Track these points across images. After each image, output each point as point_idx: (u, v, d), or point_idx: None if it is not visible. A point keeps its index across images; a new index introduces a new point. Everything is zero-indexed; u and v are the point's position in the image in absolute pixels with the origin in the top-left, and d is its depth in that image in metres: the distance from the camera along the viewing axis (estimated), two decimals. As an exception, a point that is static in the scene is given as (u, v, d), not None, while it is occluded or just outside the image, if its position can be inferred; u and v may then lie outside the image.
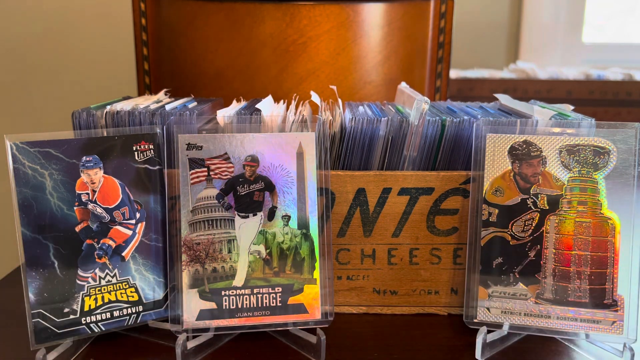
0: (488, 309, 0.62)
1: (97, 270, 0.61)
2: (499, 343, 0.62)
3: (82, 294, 0.60)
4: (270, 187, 0.62)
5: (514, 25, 1.68)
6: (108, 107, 0.67)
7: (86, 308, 0.60)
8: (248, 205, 0.62)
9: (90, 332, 0.60)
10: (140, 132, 0.63)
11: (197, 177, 0.61)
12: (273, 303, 0.61)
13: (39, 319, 0.58)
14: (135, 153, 0.62)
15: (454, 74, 1.43)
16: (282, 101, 0.77)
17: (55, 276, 0.59)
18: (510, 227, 0.62)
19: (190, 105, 0.72)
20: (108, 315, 0.61)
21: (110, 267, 0.61)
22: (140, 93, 1.05)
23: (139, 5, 1.00)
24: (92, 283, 0.60)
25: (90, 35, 1.53)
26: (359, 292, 0.70)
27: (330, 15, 0.92)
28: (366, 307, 0.70)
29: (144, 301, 0.63)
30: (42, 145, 0.58)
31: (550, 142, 0.61)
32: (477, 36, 1.67)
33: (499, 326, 0.62)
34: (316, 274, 0.62)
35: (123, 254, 0.62)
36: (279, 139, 0.62)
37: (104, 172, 0.61)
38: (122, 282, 0.62)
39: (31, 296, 0.58)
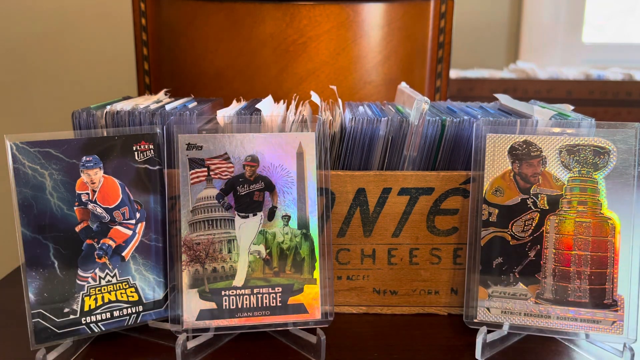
0: (488, 309, 0.62)
1: (97, 270, 0.61)
2: (499, 343, 0.62)
3: (82, 294, 0.60)
4: (270, 187, 0.62)
5: (514, 25, 1.68)
6: (108, 107, 0.67)
7: (86, 308, 0.60)
8: (248, 205, 0.62)
9: (90, 332, 0.60)
10: (140, 132, 0.63)
11: (197, 177, 0.61)
12: (273, 303, 0.61)
13: (39, 319, 0.58)
14: (135, 153, 0.62)
15: (454, 74, 1.43)
16: (282, 101, 0.77)
17: (55, 276, 0.59)
18: (510, 227, 0.62)
19: (190, 105, 0.72)
20: (108, 315, 0.61)
21: (110, 267, 0.61)
22: (140, 93, 1.05)
23: (139, 5, 1.00)
24: (92, 283, 0.60)
25: (90, 35, 1.53)
26: (359, 292, 0.70)
27: (330, 15, 0.92)
28: (366, 307, 0.70)
29: (144, 301, 0.63)
30: (42, 145, 0.58)
31: (550, 142, 0.61)
32: (477, 36, 1.67)
33: (499, 326, 0.62)
34: (316, 274, 0.62)
35: (123, 254, 0.62)
36: (279, 139, 0.62)
37: (104, 172, 0.61)
38: (122, 282, 0.62)
39: (31, 296, 0.58)
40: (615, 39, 1.78)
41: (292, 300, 0.61)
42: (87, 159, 0.60)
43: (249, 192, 0.62)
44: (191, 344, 0.59)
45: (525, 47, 1.67)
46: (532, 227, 0.62)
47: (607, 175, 0.60)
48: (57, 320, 0.59)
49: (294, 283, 0.62)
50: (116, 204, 0.61)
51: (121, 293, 0.62)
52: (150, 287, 0.63)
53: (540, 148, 0.62)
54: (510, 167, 0.62)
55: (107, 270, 0.61)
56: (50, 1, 1.51)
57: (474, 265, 0.63)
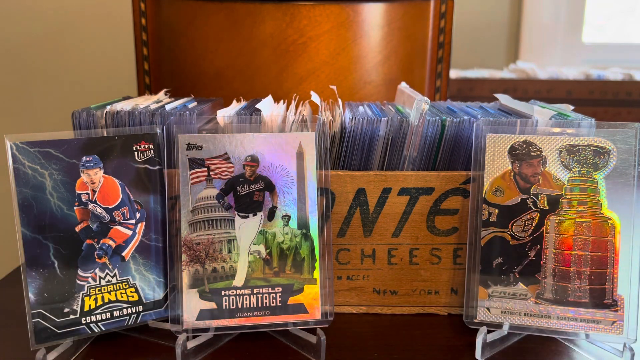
0: (488, 309, 0.62)
1: (97, 270, 0.61)
2: (499, 343, 0.62)
3: (82, 294, 0.60)
4: (270, 187, 0.62)
5: (514, 25, 1.68)
6: (108, 107, 0.67)
7: (86, 308, 0.60)
8: (248, 205, 0.62)
9: (90, 332, 0.60)
10: (140, 132, 0.63)
11: (197, 177, 0.61)
12: (273, 303, 0.61)
13: (39, 319, 0.58)
14: (135, 153, 0.62)
15: (454, 74, 1.43)
16: (282, 101, 0.77)
17: (55, 276, 0.59)
18: (510, 227, 0.62)
19: (190, 105, 0.72)
20: (108, 315, 0.61)
21: (110, 267, 0.61)
22: (140, 93, 1.05)
23: (139, 5, 1.00)
24: (92, 283, 0.60)
25: (90, 35, 1.53)
26: (359, 292, 0.70)
27: (330, 15, 0.92)
28: (366, 307, 0.70)
29: (144, 301, 0.63)
30: (42, 145, 0.58)
31: (550, 142, 0.61)
32: (477, 36, 1.67)
33: (499, 326, 0.62)
34: (316, 274, 0.62)
35: (123, 254, 0.62)
36: (279, 139, 0.62)
37: (104, 172, 0.61)
38: (122, 282, 0.62)
39: (31, 296, 0.58)
40: (615, 39, 1.78)
41: (292, 300, 0.61)
42: (87, 159, 0.60)
43: (249, 192, 0.62)
44: (191, 344, 0.59)
45: (525, 47, 1.67)
46: (532, 227, 0.62)
47: (607, 175, 0.60)
48: (57, 320, 0.59)
49: (294, 283, 0.62)
50: (116, 204, 0.61)
51: (121, 293, 0.62)
52: (150, 287, 0.63)
53: (540, 148, 0.62)
54: (510, 167, 0.62)
55: (107, 270, 0.61)
56: (50, 1, 1.51)
57: (474, 265, 0.63)
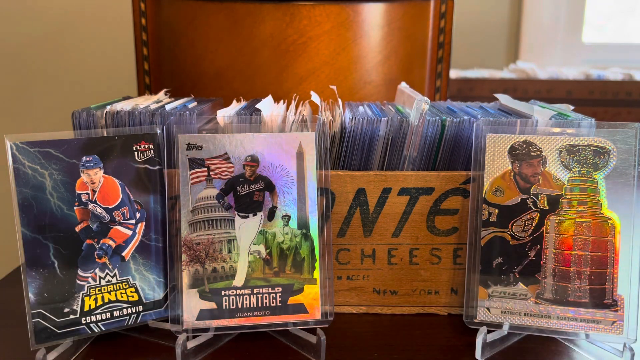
0: (488, 309, 0.62)
1: (97, 270, 0.61)
2: (499, 343, 0.62)
3: (82, 294, 0.60)
4: (270, 187, 0.62)
5: (514, 25, 1.68)
6: (108, 107, 0.67)
7: (86, 308, 0.60)
8: (248, 205, 0.62)
9: (90, 332, 0.60)
10: (140, 132, 0.63)
11: (197, 177, 0.61)
12: (273, 303, 0.61)
13: (39, 319, 0.58)
14: (135, 153, 0.62)
15: (454, 74, 1.43)
16: (282, 101, 0.77)
17: (55, 276, 0.59)
18: (510, 227, 0.62)
19: (190, 105, 0.72)
20: (108, 315, 0.61)
21: (110, 267, 0.61)
22: (140, 93, 1.05)
23: (139, 5, 1.00)
24: (92, 283, 0.60)
25: (90, 35, 1.53)
26: (359, 292, 0.70)
27: (330, 15, 0.92)
28: (366, 307, 0.70)
29: (144, 301, 0.63)
30: (42, 145, 0.58)
31: (550, 142, 0.61)
32: (477, 36, 1.67)
33: (499, 326, 0.62)
34: (316, 274, 0.62)
35: (123, 254, 0.62)
36: (279, 139, 0.62)
37: (104, 172, 0.61)
38: (122, 282, 0.62)
39: (31, 296, 0.58)
40: (615, 39, 1.78)
41: (292, 300, 0.61)
42: (87, 159, 0.60)
43: (249, 192, 0.62)
44: (191, 344, 0.59)
45: (525, 47, 1.67)
46: (532, 227, 0.62)
47: (607, 175, 0.60)
48: (57, 320, 0.59)
49: (294, 283, 0.62)
50: (116, 204, 0.61)
51: (121, 293, 0.62)
52: (150, 287, 0.63)
53: (540, 148, 0.62)
54: (510, 167, 0.62)
55: (107, 270, 0.61)
56: (50, 1, 1.51)
57: (474, 265, 0.63)
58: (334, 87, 0.80)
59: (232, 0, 0.92)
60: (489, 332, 0.61)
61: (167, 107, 0.68)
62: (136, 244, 0.62)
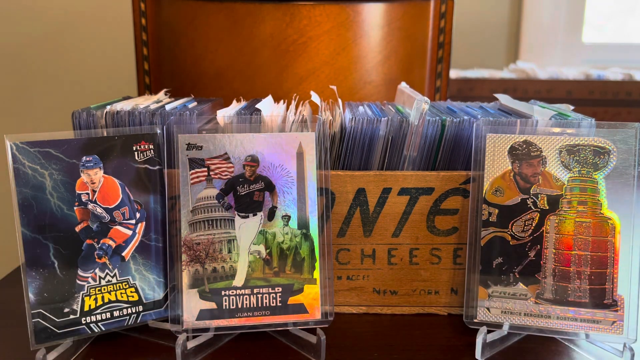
0: (488, 309, 0.62)
1: (97, 270, 0.61)
2: (499, 343, 0.62)
3: (82, 294, 0.60)
4: (270, 187, 0.62)
5: (514, 25, 1.68)
6: (108, 107, 0.67)
7: (86, 308, 0.60)
8: (248, 205, 0.62)
9: (90, 332, 0.60)
10: (140, 132, 0.63)
11: (197, 177, 0.61)
12: (273, 303, 0.61)
13: (39, 319, 0.58)
14: (135, 153, 0.62)
15: (454, 74, 1.43)
16: (282, 101, 0.77)
17: (55, 276, 0.59)
18: (510, 227, 0.62)
19: (190, 105, 0.73)
20: (108, 315, 0.61)
21: (110, 267, 0.61)
22: (140, 93, 1.05)
23: (139, 5, 1.00)
24: (92, 283, 0.60)
25: (90, 35, 1.53)
26: (359, 292, 0.70)
27: (330, 15, 0.92)
28: (366, 307, 0.70)
29: (144, 301, 0.63)
30: (42, 145, 0.58)
31: (550, 142, 0.61)
32: (477, 36, 1.66)
33: (499, 326, 0.62)
34: (316, 274, 0.62)
35: (123, 254, 0.62)
36: (279, 139, 0.62)
37: (104, 172, 0.61)
38: (122, 282, 0.62)
39: (31, 296, 0.58)
40: (615, 39, 1.78)
41: (292, 300, 0.61)
42: (87, 159, 0.60)
43: (249, 192, 0.62)
44: (191, 344, 0.59)
45: (525, 47, 1.67)
46: (532, 227, 0.62)
47: (607, 175, 0.60)
48: (57, 320, 0.59)
49: (294, 283, 0.62)
50: (116, 204, 0.61)
51: (121, 293, 0.62)
52: (150, 287, 0.63)
53: (540, 148, 0.62)
54: (510, 167, 0.62)
55: (107, 270, 0.61)
56: (50, 1, 1.51)
57: (474, 265, 0.63)
58: (334, 87, 0.80)
59: (232, 0, 0.92)
60: (489, 332, 0.61)
61: (167, 107, 0.68)
62: (136, 244, 0.62)
